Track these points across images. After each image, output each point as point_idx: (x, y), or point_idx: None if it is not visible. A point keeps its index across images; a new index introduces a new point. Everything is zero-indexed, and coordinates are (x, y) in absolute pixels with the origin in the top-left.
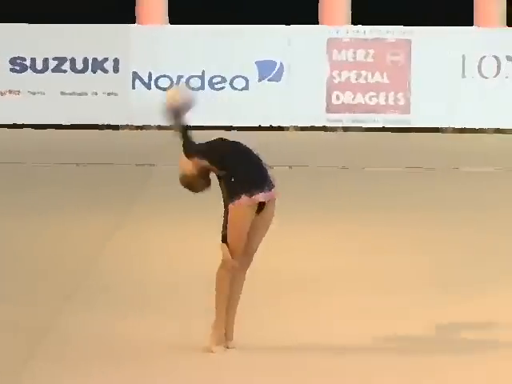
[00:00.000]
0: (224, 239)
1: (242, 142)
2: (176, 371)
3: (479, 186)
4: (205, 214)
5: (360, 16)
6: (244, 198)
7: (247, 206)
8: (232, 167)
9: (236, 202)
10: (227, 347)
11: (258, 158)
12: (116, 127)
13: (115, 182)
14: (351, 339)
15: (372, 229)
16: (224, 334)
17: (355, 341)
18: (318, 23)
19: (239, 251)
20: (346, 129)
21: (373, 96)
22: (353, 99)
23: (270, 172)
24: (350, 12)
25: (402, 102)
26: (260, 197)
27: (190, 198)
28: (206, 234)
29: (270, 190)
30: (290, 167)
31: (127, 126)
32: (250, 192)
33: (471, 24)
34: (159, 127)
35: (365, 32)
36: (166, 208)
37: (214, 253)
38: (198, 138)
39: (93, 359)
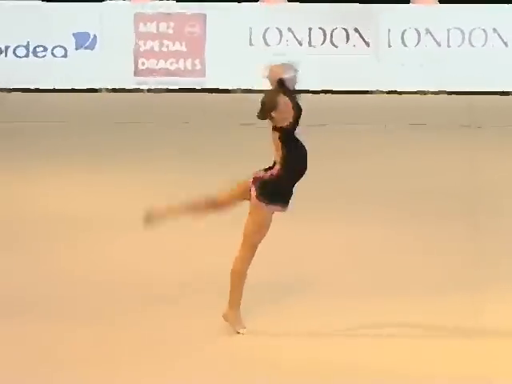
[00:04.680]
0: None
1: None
2: None
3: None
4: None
5: None
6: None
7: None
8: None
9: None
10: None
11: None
12: None
13: None
14: None
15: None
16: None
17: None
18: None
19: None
20: (150, 90)
21: (173, 62)
22: (156, 65)
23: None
24: None
25: (198, 67)
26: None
27: None
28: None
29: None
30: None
31: None
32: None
33: (257, 1)
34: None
35: (166, 7)
36: None
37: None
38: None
39: None
